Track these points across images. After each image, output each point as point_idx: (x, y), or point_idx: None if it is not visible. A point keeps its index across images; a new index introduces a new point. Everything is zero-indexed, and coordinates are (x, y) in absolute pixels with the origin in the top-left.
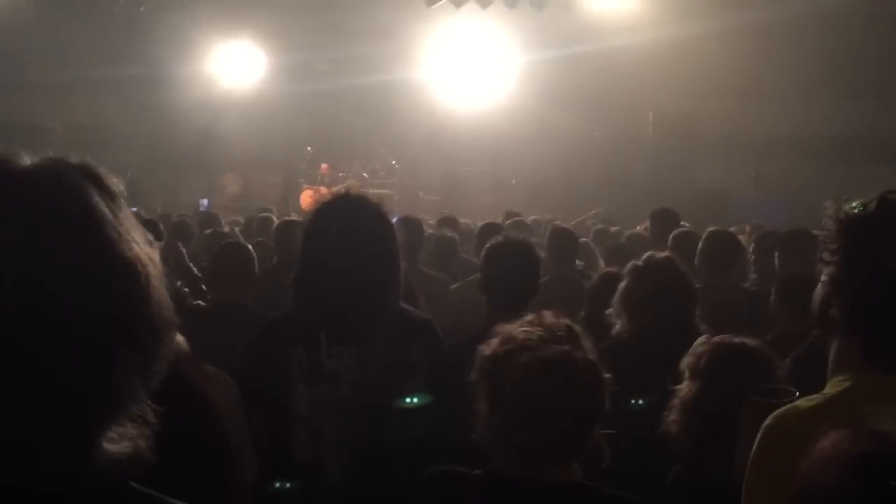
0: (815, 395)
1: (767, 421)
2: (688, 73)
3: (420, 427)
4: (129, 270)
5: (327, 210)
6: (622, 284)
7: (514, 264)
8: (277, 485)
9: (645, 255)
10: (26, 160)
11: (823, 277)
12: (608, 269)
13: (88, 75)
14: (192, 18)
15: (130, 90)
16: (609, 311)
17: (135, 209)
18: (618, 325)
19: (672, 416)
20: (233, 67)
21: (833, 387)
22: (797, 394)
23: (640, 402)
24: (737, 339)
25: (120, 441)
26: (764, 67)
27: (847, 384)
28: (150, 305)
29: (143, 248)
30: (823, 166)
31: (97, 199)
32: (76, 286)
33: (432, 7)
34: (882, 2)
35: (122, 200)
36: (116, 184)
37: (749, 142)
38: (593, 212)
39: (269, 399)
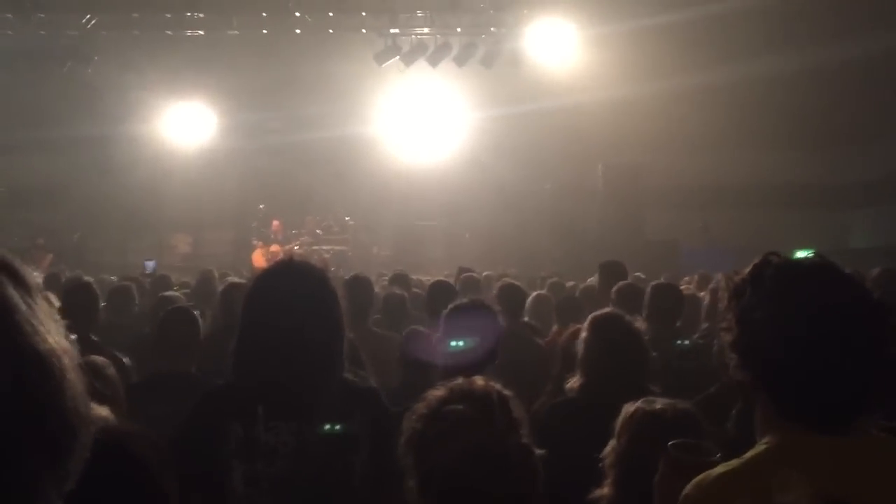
0: (732, 461)
1: (686, 490)
2: (636, 126)
3: (363, 500)
4: (43, 364)
5: (268, 277)
6: (580, 341)
7: (474, 329)
8: None
9: (596, 313)
10: None
11: (724, 344)
12: (576, 326)
13: (35, 136)
14: (140, 79)
15: (78, 150)
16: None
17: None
18: (570, 383)
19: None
20: (183, 127)
21: (754, 450)
22: (718, 454)
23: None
24: (658, 405)
25: None
26: (711, 120)
27: (763, 447)
28: (65, 400)
29: (59, 341)
30: (770, 214)
31: (11, 291)
32: None
33: (383, 66)
34: (823, 61)
35: (38, 293)
36: (33, 276)
37: (697, 192)
38: (510, 272)
39: (204, 477)
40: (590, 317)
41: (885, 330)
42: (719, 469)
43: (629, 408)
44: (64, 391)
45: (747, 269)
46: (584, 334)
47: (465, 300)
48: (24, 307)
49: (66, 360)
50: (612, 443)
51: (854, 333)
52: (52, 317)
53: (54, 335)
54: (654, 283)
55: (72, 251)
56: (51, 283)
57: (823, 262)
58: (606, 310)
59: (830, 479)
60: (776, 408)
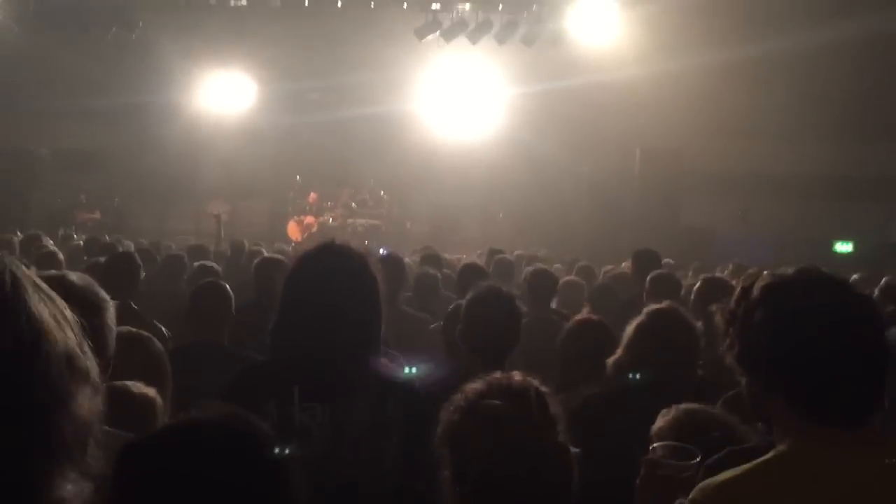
0: (746, 465)
1: (693, 495)
2: (676, 109)
3: (394, 485)
4: (46, 367)
5: (310, 260)
6: (629, 333)
7: (494, 316)
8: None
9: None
10: None
11: (731, 363)
12: (583, 316)
13: (79, 102)
14: (183, 47)
15: (120, 117)
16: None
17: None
18: (610, 371)
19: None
20: (223, 96)
21: (770, 455)
22: (698, 457)
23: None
24: (694, 408)
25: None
26: (753, 106)
27: (781, 452)
28: (70, 407)
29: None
30: (811, 205)
31: (23, 283)
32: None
33: (423, 41)
34: (869, 45)
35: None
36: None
37: (737, 180)
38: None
39: None
40: (648, 308)
41: (881, 325)
42: (730, 473)
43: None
44: (71, 400)
45: (735, 295)
46: (638, 321)
47: (482, 288)
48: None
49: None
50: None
51: (862, 328)
52: (62, 320)
53: (64, 330)
54: (704, 276)
55: (112, 215)
56: (92, 244)
57: (807, 269)
58: (667, 304)
59: (849, 487)
60: (792, 408)
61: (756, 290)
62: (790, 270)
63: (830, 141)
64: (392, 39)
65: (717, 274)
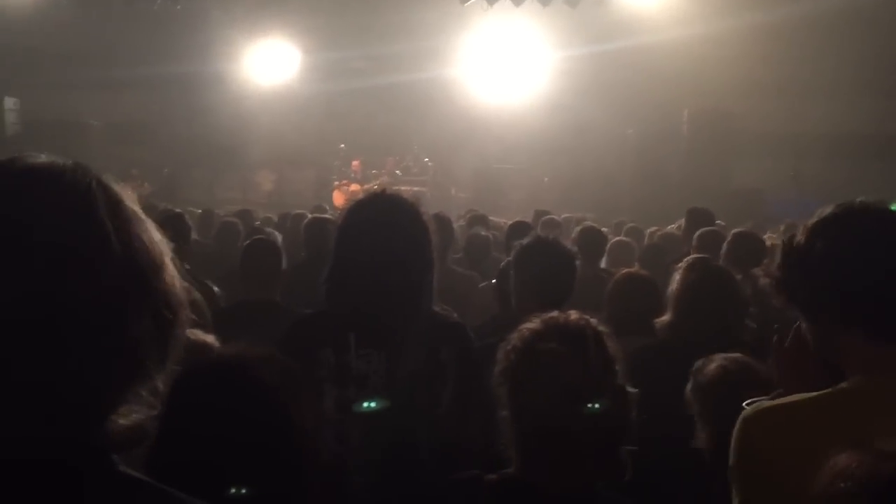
0: (812, 393)
1: (745, 414)
2: (724, 70)
3: (449, 430)
4: (146, 247)
5: (362, 208)
6: (672, 287)
7: (546, 265)
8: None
9: (693, 256)
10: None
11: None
12: (628, 270)
13: (127, 74)
14: (228, 16)
15: (168, 88)
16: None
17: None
18: (659, 325)
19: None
20: (268, 65)
21: (841, 385)
22: None
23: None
24: (741, 361)
25: (128, 416)
26: (802, 64)
27: (853, 383)
28: (165, 279)
29: (157, 236)
30: (861, 165)
31: (114, 189)
32: (100, 251)
33: (465, 5)
34: None
35: (135, 205)
36: (127, 192)
37: (787, 140)
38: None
39: None
40: (687, 259)
41: None
42: (790, 399)
43: (701, 368)
44: (163, 272)
45: (792, 239)
46: (678, 275)
47: (533, 238)
48: (125, 200)
49: (165, 250)
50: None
51: None
52: (147, 218)
53: (152, 232)
54: (735, 230)
55: (163, 185)
56: (146, 213)
57: (856, 202)
58: (701, 255)
59: None
60: (871, 339)
61: (820, 221)
62: (837, 208)
63: (883, 99)
64: (435, 4)
65: (768, 235)
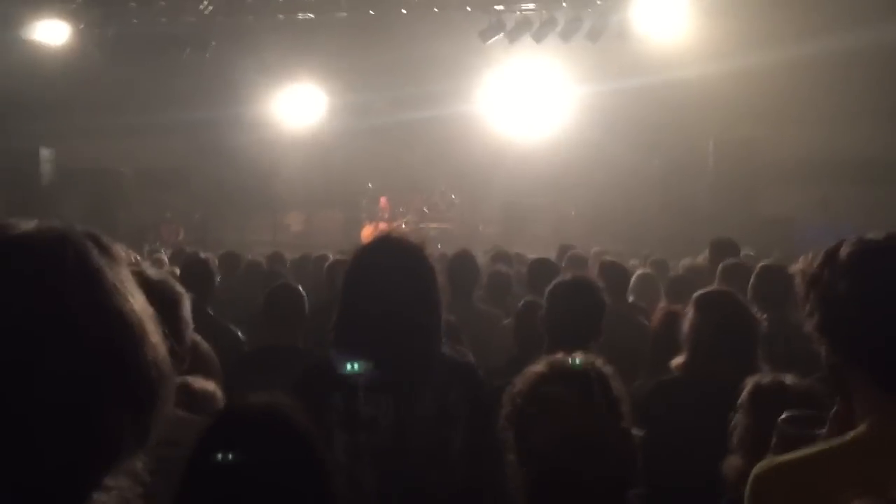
0: (823, 442)
1: (756, 471)
2: (748, 99)
3: (461, 474)
4: (125, 323)
5: (367, 253)
6: (686, 320)
7: (577, 306)
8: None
9: (703, 290)
10: (30, 225)
11: (811, 330)
12: (670, 307)
13: (157, 120)
14: (255, 63)
15: (197, 133)
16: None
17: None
18: (676, 361)
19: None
20: (295, 108)
21: (854, 432)
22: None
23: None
24: (778, 379)
25: (110, 493)
26: (828, 93)
27: (865, 429)
28: (146, 357)
29: (142, 305)
30: (890, 190)
31: (96, 256)
32: (69, 332)
33: (487, 43)
34: None
35: (124, 264)
36: (118, 249)
37: (814, 167)
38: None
39: None
40: (696, 294)
41: None
42: (794, 455)
43: (758, 380)
44: (145, 349)
45: (818, 260)
46: (690, 312)
47: (567, 276)
48: (110, 272)
49: (148, 323)
50: (737, 417)
51: None
52: (136, 286)
53: (138, 300)
54: (761, 264)
55: (195, 229)
56: (177, 258)
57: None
58: (713, 287)
59: None
60: (874, 383)
61: (843, 256)
62: (878, 236)
63: None
64: (457, 43)
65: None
